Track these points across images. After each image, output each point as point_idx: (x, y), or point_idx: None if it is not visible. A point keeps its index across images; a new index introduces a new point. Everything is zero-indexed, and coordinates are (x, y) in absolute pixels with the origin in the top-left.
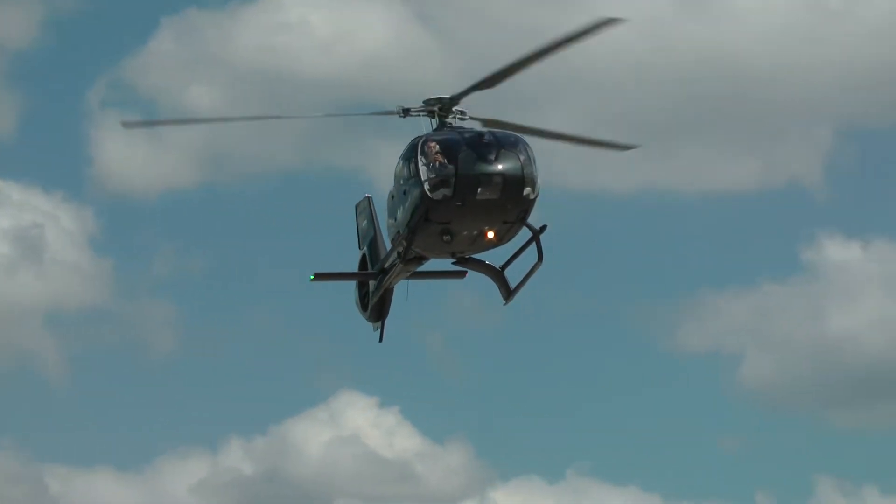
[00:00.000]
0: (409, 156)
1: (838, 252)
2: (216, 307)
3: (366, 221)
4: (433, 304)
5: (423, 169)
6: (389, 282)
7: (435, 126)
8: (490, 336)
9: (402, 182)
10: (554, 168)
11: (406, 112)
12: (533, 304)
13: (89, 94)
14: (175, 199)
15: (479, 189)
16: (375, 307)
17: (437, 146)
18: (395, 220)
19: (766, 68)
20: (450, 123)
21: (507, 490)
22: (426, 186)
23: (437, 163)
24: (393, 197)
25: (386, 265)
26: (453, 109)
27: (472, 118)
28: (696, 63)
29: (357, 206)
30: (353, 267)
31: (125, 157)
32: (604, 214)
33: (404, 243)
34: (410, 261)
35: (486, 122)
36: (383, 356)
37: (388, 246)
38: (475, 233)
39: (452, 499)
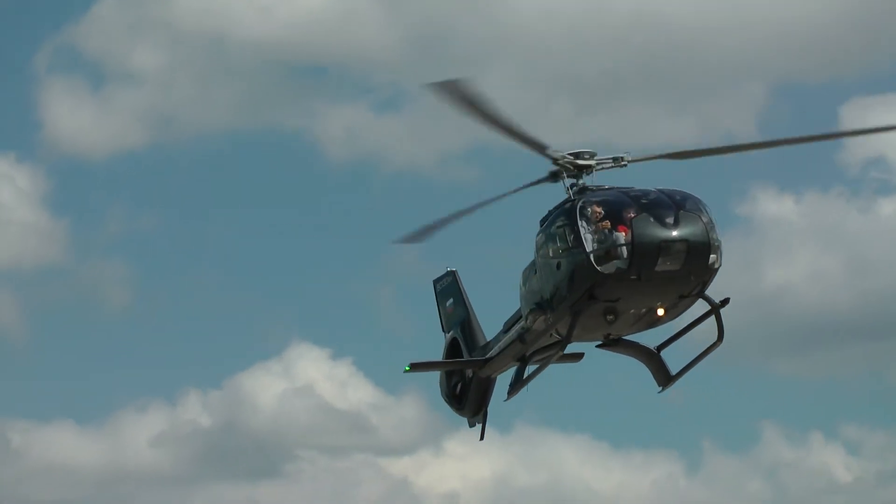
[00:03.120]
0: (564, 221)
1: (772, 206)
2: (169, 264)
3: (452, 300)
4: (385, 260)
5: (586, 237)
6: (534, 374)
7: (571, 185)
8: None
9: (551, 253)
10: None
11: (556, 176)
12: (482, 264)
13: (35, 59)
14: (124, 159)
15: (660, 259)
16: (475, 400)
17: (602, 209)
18: (541, 297)
19: (699, 27)
20: (584, 184)
21: (460, 440)
22: (592, 258)
23: (605, 229)
24: (536, 271)
25: (504, 350)
26: (588, 158)
27: (633, 160)
28: (630, 23)
29: (437, 283)
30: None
31: (73, 120)
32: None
33: (564, 329)
34: (548, 346)
35: (671, 157)
36: (336, 308)
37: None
38: (644, 310)
39: (407, 449)
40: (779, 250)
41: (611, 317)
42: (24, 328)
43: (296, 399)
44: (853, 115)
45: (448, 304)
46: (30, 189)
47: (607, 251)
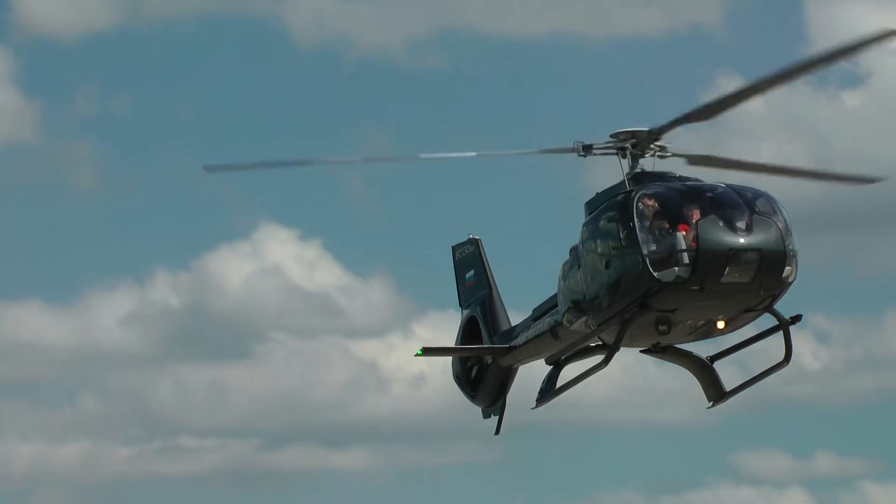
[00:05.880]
0: (617, 215)
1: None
2: (139, 145)
3: (472, 272)
4: (353, 143)
5: (643, 236)
6: (569, 385)
7: (628, 168)
8: (408, 170)
9: (599, 249)
10: (464, 12)
11: (587, 149)
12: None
13: None
14: (93, 40)
15: (728, 269)
16: (492, 389)
17: (663, 205)
18: (584, 296)
19: None
20: (641, 167)
21: (429, 323)
22: (648, 262)
23: (663, 229)
24: (580, 266)
25: (531, 340)
26: (652, 146)
27: (675, 154)
28: None
29: (456, 250)
30: None
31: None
32: (515, 57)
33: (609, 338)
34: (588, 350)
35: (692, 160)
36: (304, 189)
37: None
38: (701, 323)
39: (376, 332)
40: (744, 141)
41: (663, 328)
42: None
43: (264, 280)
44: (819, 5)
45: (468, 276)
46: (1, 69)
47: (667, 256)
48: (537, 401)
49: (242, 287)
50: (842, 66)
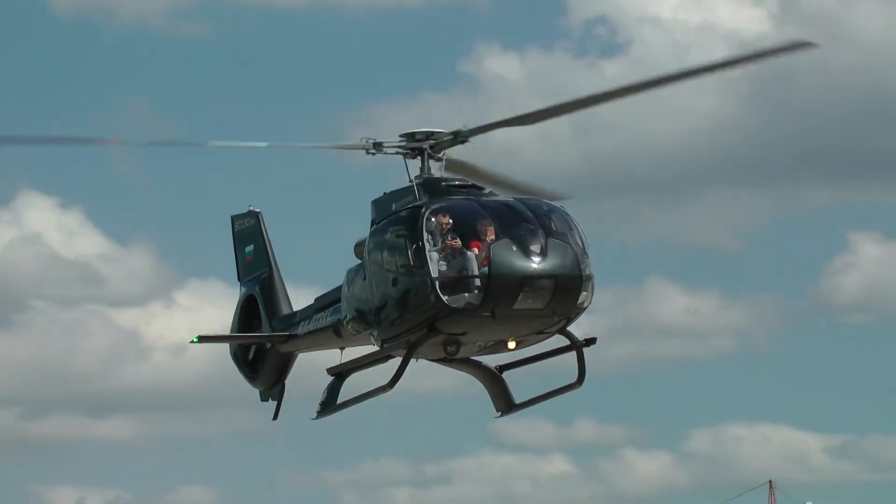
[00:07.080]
0: (405, 231)
1: (496, 64)
2: None
3: (252, 247)
4: (115, 113)
5: (432, 257)
6: (350, 402)
7: (419, 171)
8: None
9: (386, 264)
10: None
11: (377, 147)
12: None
13: None
14: None
15: (521, 296)
16: (271, 372)
17: (453, 224)
18: (368, 309)
19: None
20: (430, 171)
21: (191, 291)
22: (437, 286)
23: (456, 251)
24: (364, 278)
25: (313, 333)
26: (422, 139)
27: (471, 132)
28: None
29: (235, 221)
30: None
31: None
32: (276, 27)
33: (399, 359)
34: (370, 362)
35: (512, 123)
36: (65, 156)
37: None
38: (491, 343)
39: (138, 301)
40: (504, 109)
41: (452, 348)
42: None
43: (24, 248)
44: None
45: (247, 250)
46: None
47: (458, 280)
48: (318, 413)
49: (2, 255)
50: (600, 35)
